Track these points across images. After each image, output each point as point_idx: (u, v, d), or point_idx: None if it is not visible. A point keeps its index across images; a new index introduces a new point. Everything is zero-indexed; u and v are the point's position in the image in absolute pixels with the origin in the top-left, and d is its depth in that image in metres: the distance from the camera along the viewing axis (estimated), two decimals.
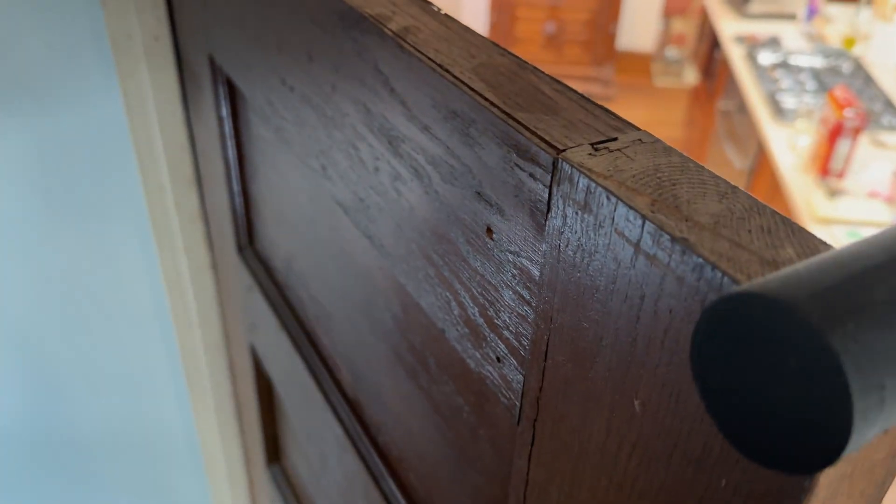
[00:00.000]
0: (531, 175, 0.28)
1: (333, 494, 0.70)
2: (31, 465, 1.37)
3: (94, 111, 0.89)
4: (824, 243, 0.22)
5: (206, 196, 0.87)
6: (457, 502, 0.46)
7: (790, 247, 0.22)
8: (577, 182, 0.25)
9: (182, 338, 1.02)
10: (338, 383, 0.61)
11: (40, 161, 0.96)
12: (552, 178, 0.27)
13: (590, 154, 0.26)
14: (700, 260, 0.21)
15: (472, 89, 0.30)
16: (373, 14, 0.37)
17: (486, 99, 0.30)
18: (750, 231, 0.22)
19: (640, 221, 0.23)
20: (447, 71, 0.32)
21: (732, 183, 0.25)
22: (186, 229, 0.93)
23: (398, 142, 0.37)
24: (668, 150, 0.26)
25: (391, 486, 0.55)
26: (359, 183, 0.43)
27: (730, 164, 2.59)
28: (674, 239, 0.22)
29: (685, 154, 0.26)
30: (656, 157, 0.26)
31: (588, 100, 0.30)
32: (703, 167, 0.26)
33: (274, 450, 0.95)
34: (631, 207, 0.23)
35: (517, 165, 0.28)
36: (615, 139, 0.27)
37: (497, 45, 0.34)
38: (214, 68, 0.66)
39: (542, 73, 0.32)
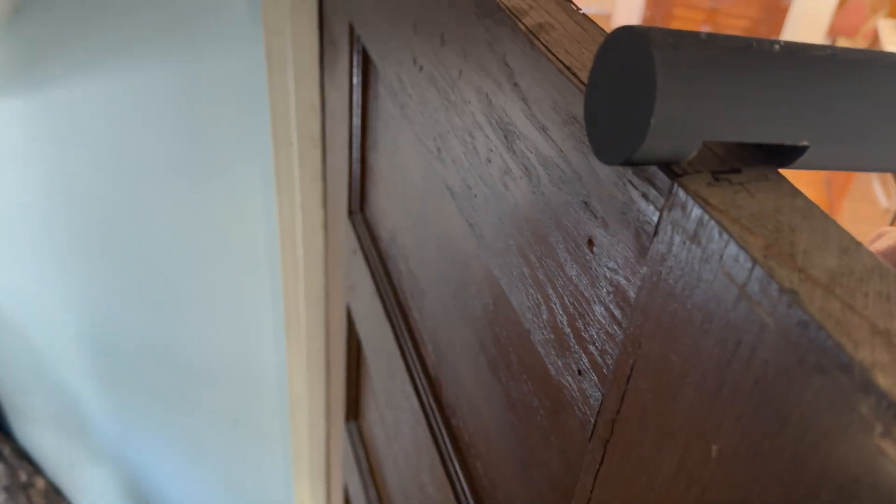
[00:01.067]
0: (644, 195, 0.27)
1: (401, 462, 0.72)
2: (143, 374, 1.47)
3: (238, 62, 0.93)
4: None
5: (328, 158, 0.90)
6: (518, 500, 0.46)
7: None
8: (691, 211, 0.24)
9: (287, 288, 1.06)
10: (421, 358, 0.62)
11: (187, 101, 1.02)
12: (665, 201, 0.26)
13: (709, 184, 0.25)
14: (806, 317, 0.20)
15: None
16: (509, 6, 0.37)
17: None
18: (867, 294, 0.21)
19: (749, 264, 0.22)
20: (574, 74, 0.31)
21: (858, 239, 0.23)
22: (306, 187, 0.96)
23: (514, 137, 0.37)
24: (794, 193, 0.25)
25: (457, 467, 0.55)
26: (469, 171, 0.43)
27: (875, 202, 2.42)
28: (782, 289, 0.21)
29: (813, 201, 0.25)
30: (779, 198, 0.25)
31: None
32: (828, 216, 0.24)
33: (354, 407, 0.98)
34: (742, 248, 0.22)
35: (630, 183, 0.28)
36: (739, 171, 0.26)
37: None
38: (352, 36, 0.67)
39: None
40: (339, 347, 0.97)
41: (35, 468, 1.83)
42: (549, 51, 0.33)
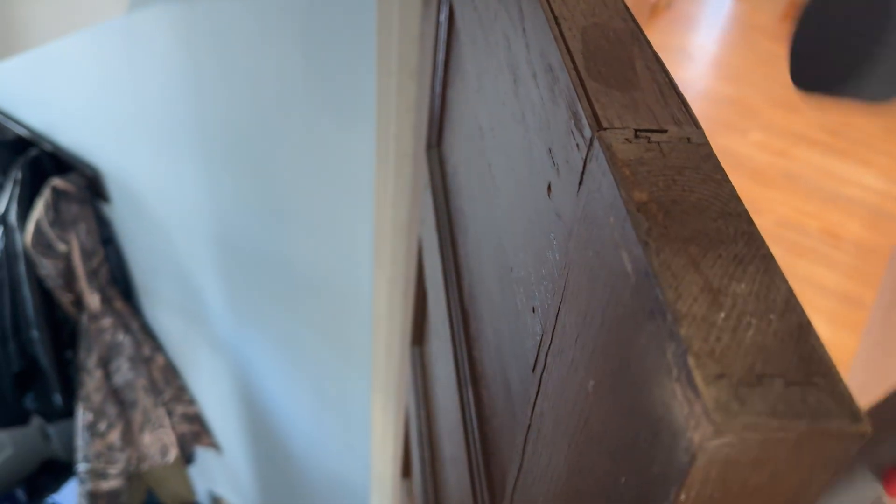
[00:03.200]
0: (577, 145, 0.28)
1: (438, 390, 0.76)
2: (257, 275, 1.60)
3: None
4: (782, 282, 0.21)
5: (419, 93, 0.93)
6: (502, 422, 0.49)
7: (745, 283, 0.21)
8: (601, 163, 0.26)
9: (378, 213, 1.12)
10: (460, 292, 0.66)
11: (303, 23, 1.08)
12: (587, 152, 0.27)
13: (626, 140, 0.26)
14: (649, 268, 0.22)
15: (567, 48, 0.31)
16: None
17: (573, 61, 0.30)
18: (720, 256, 0.22)
19: (623, 213, 0.23)
20: (558, 24, 0.32)
21: (744, 208, 0.24)
22: (401, 117, 1.00)
23: (519, 83, 0.38)
24: (708, 158, 0.26)
25: (469, 394, 0.59)
26: (493, 112, 0.45)
27: None
28: (637, 240, 0.22)
29: (722, 169, 0.25)
30: (689, 161, 0.26)
31: (673, 86, 0.29)
32: (726, 182, 0.25)
33: (419, 333, 1.04)
34: (623, 199, 0.24)
35: (571, 133, 0.29)
36: (664, 131, 0.27)
37: (628, 10, 0.34)
38: None
39: (649, 47, 0.31)
40: (412, 276, 1.02)
41: (157, 345, 2.04)
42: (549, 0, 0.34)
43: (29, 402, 2.13)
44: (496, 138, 0.45)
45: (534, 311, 0.36)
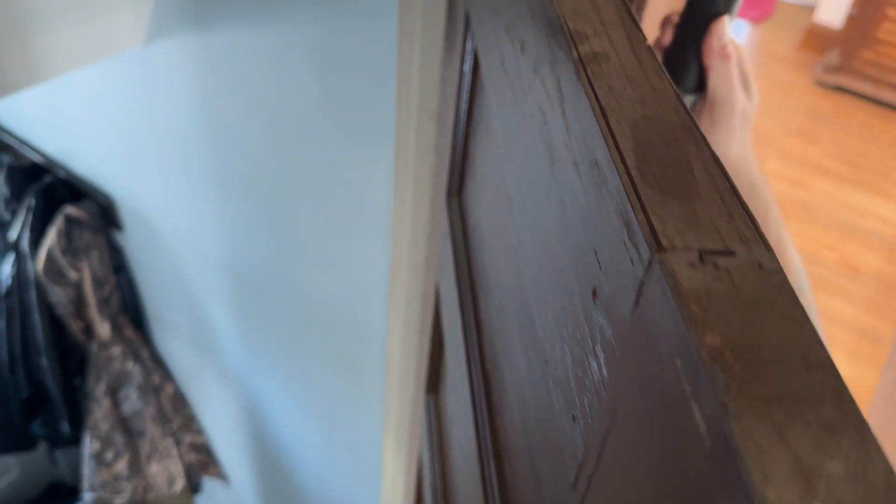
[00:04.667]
0: (631, 260, 0.26)
1: (455, 449, 0.73)
2: (268, 307, 1.58)
3: (372, 28, 0.96)
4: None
5: (439, 135, 0.91)
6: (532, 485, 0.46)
7: (840, 460, 0.18)
8: (661, 291, 0.23)
9: (394, 251, 1.10)
10: (482, 354, 0.63)
11: (322, 55, 1.06)
12: (645, 273, 0.24)
13: (690, 265, 0.23)
14: (730, 435, 0.19)
15: (617, 145, 0.28)
16: (571, 29, 0.35)
17: (624, 162, 0.28)
18: (809, 423, 0.19)
19: (694, 361, 0.21)
20: (604, 115, 0.30)
21: (829, 356, 0.21)
22: (420, 157, 0.98)
23: (556, 165, 0.36)
24: (783, 289, 0.23)
25: (492, 470, 0.56)
26: (524, 181, 0.43)
27: None
28: (716, 401, 0.19)
29: (801, 306, 0.23)
30: (764, 293, 0.23)
31: (735, 193, 0.26)
32: (808, 322, 0.22)
33: (434, 381, 1.01)
34: (691, 341, 0.21)
35: (625, 244, 0.26)
36: (732, 254, 0.24)
37: (679, 99, 0.31)
38: (467, 24, 0.67)
39: (706, 146, 0.29)
40: (429, 320, 1.00)
41: (167, 374, 2.02)
42: (592, 85, 0.32)
43: (36, 427, 2.11)
44: (527, 211, 0.42)
45: (574, 419, 0.33)
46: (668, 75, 0.33)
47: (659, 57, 0.56)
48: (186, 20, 1.24)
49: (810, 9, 4.70)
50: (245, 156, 1.33)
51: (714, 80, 0.58)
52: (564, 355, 0.35)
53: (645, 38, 0.35)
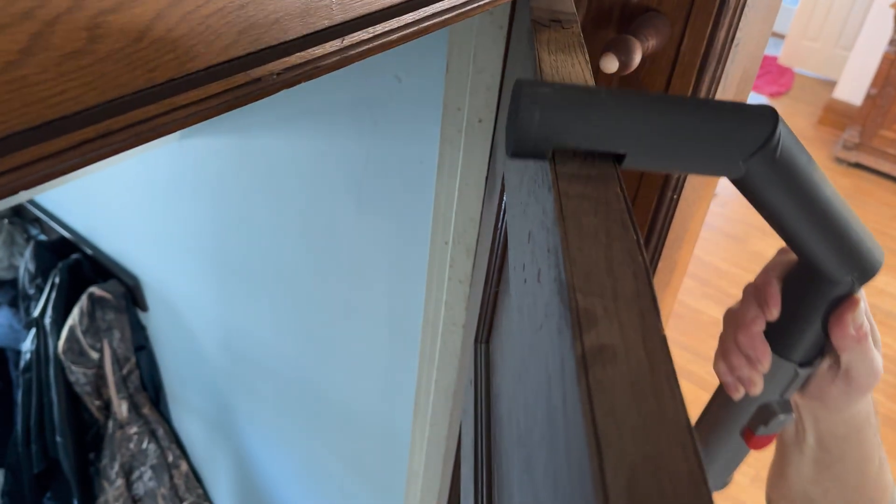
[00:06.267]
0: None
1: None
2: (287, 399, 1.57)
3: (412, 154, 0.97)
4: None
5: (475, 269, 0.91)
6: None
7: None
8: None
9: (421, 373, 1.09)
10: None
11: (359, 172, 1.07)
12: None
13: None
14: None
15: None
16: (580, 306, 0.31)
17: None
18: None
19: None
20: (600, 454, 0.26)
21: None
22: (453, 286, 0.98)
23: (553, 419, 0.34)
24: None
25: None
26: (529, 402, 0.42)
27: None
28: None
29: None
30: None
31: None
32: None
33: None
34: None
35: None
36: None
37: (690, 431, 0.28)
38: (503, 188, 0.68)
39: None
40: (453, 446, 0.99)
41: (182, 452, 2.00)
42: (592, 404, 0.27)
43: (47, 500, 2.09)
44: (532, 434, 0.41)
45: None
46: (678, 386, 0.29)
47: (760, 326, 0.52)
48: (223, 120, 1.26)
49: (830, 84, 4.75)
50: (276, 253, 1.34)
51: (849, 358, 0.51)
52: None
53: (661, 324, 0.31)
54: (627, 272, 0.35)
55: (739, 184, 0.42)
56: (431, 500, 1.21)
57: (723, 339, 0.56)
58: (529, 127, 0.37)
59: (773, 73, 4.88)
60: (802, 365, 0.54)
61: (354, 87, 1.00)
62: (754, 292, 0.54)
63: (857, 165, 4.17)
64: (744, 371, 0.54)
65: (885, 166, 4.06)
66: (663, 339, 0.31)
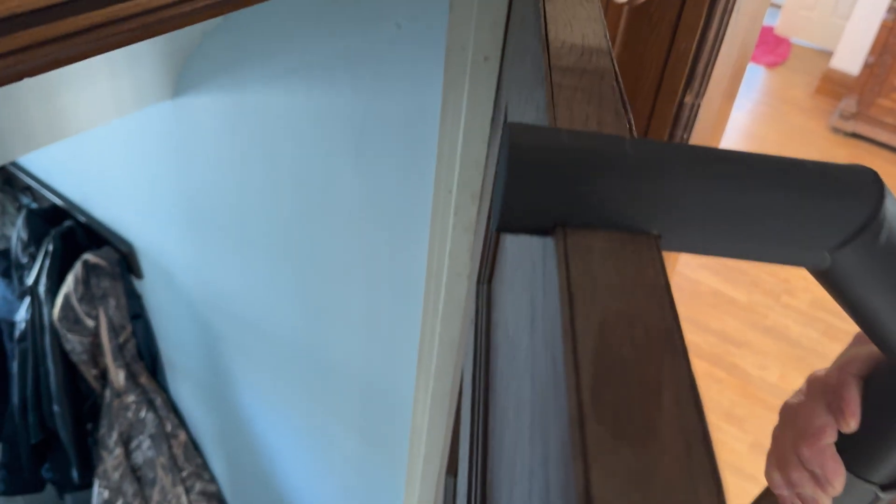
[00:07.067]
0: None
1: None
2: (289, 365, 1.55)
3: (413, 104, 0.94)
4: None
5: (479, 216, 0.89)
6: None
7: None
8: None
9: (425, 326, 1.08)
10: (484, 457, 0.60)
11: (358, 127, 1.05)
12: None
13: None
14: None
15: (575, 352, 0.23)
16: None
17: (577, 377, 0.22)
18: None
19: None
20: (571, 305, 0.25)
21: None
22: (457, 236, 0.96)
23: (535, 332, 0.31)
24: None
25: None
26: (515, 322, 0.40)
27: None
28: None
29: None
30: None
31: (706, 439, 0.21)
32: None
33: (454, 463, 0.98)
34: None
35: (563, 485, 0.23)
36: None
37: (668, 291, 0.27)
38: (506, 116, 0.66)
39: (685, 361, 0.24)
40: (455, 406, 0.97)
41: (180, 421, 1.99)
42: (567, 257, 0.27)
43: (45, 471, 2.08)
44: (515, 355, 0.39)
45: None
46: (660, 256, 0.28)
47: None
48: (218, 78, 1.23)
49: (827, 54, 4.72)
50: (273, 214, 1.31)
51: None
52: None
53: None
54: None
55: (820, 275, 0.32)
56: (435, 456, 1.19)
57: (779, 442, 0.44)
58: (521, 202, 0.27)
59: (770, 43, 4.85)
60: (886, 488, 0.43)
61: (353, 38, 0.97)
62: (826, 393, 0.41)
63: (854, 135, 4.16)
64: (806, 489, 0.42)
65: (882, 136, 4.05)
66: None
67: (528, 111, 0.49)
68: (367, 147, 1.05)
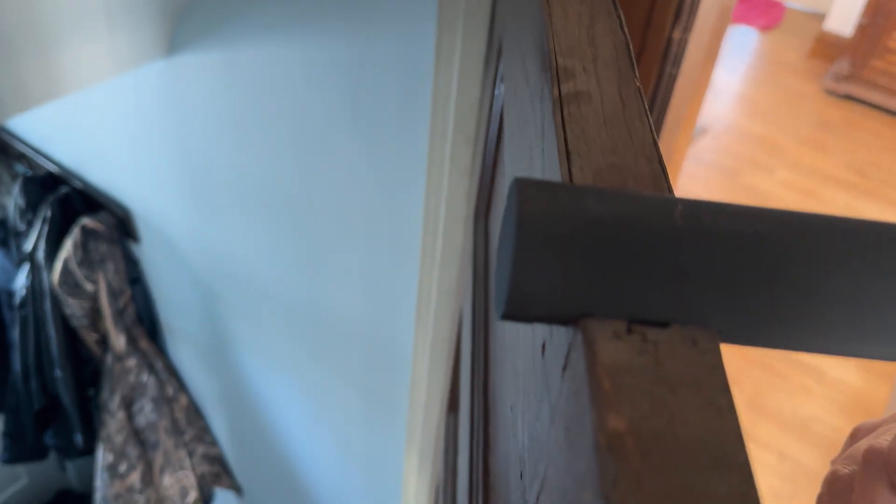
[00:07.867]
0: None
1: (459, 479, 0.72)
2: (288, 323, 1.57)
3: (407, 50, 0.95)
4: None
5: (475, 159, 0.90)
6: None
7: None
8: (581, 358, 0.21)
9: (423, 274, 1.09)
10: (485, 386, 0.62)
11: (353, 76, 1.05)
12: (573, 336, 0.22)
13: (615, 335, 0.21)
14: None
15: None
16: (560, 66, 0.34)
17: None
18: None
19: (590, 443, 0.19)
20: (568, 160, 0.27)
21: (746, 455, 0.18)
22: (454, 181, 0.97)
23: None
24: (715, 371, 0.20)
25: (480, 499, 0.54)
26: None
27: None
28: (600, 491, 0.17)
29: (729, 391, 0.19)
30: (689, 374, 0.20)
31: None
32: (736, 421, 0.19)
33: (455, 401, 1.00)
34: (592, 422, 0.19)
35: None
36: (666, 325, 0.21)
37: (656, 147, 0.29)
38: (500, 51, 0.67)
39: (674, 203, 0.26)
40: (456, 341, 0.99)
41: (181, 385, 2.00)
42: (564, 126, 0.30)
43: (48, 438, 2.10)
44: None
45: (521, 476, 0.31)
46: (648, 119, 0.31)
47: None
48: (211, 33, 1.23)
49: (820, 16, 4.70)
50: (269, 171, 1.32)
51: None
52: (528, 405, 0.33)
53: (637, 78, 0.33)
54: (608, 43, 0.38)
55: None
56: (434, 406, 1.21)
57: None
58: (533, 286, 0.21)
59: (763, 6, 4.83)
60: None
61: None
62: (890, 470, 0.33)
63: (848, 97, 4.15)
64: None
65: (875, 97, 4.05)
66: (638, 89, 0.33)
67: (523, 33, 0.50)
68: (362, 97, 1.06)
